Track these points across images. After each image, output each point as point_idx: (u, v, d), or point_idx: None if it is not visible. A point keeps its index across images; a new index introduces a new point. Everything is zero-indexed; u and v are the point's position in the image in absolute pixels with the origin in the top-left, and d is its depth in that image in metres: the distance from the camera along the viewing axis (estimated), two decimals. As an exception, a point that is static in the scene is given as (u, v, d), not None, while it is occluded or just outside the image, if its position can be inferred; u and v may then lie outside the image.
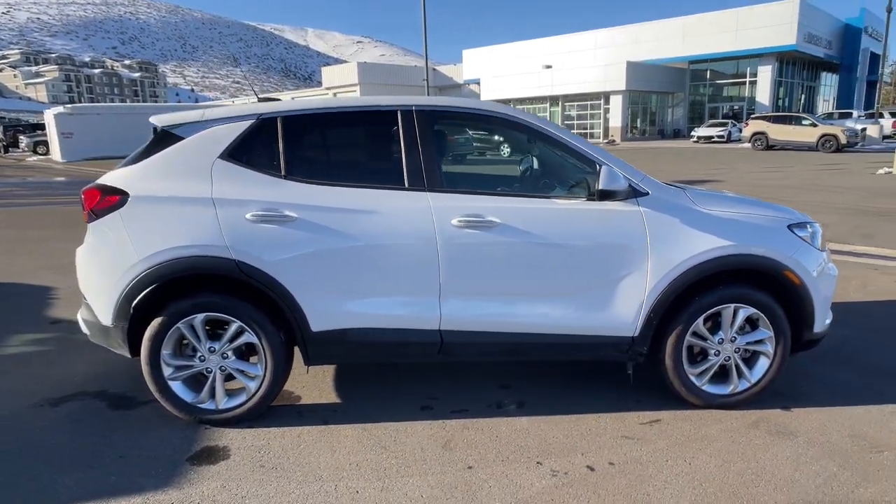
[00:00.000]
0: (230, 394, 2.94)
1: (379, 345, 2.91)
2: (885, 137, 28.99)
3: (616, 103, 38.53)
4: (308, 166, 2.92)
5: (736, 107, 39.41)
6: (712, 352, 3.03)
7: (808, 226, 3.09)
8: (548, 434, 2.84)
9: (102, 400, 3.24)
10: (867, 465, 2.55)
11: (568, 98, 41.62)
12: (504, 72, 45.31)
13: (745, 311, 2.97)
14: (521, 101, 44.27)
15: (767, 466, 2.55)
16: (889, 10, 27.06)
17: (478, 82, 49.20)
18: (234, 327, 2.83)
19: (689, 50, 39.05)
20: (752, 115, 29.19)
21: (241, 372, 2.92)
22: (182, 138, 2.89)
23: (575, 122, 41.35)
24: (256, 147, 2.92)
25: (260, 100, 3.53)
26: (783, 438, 2.77)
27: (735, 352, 3.02)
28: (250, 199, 2.79)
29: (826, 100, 46.14)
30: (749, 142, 26.41)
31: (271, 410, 3.03)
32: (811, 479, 2.45)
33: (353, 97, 3.11)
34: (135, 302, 2.79)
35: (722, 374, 3.07)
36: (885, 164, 16.09)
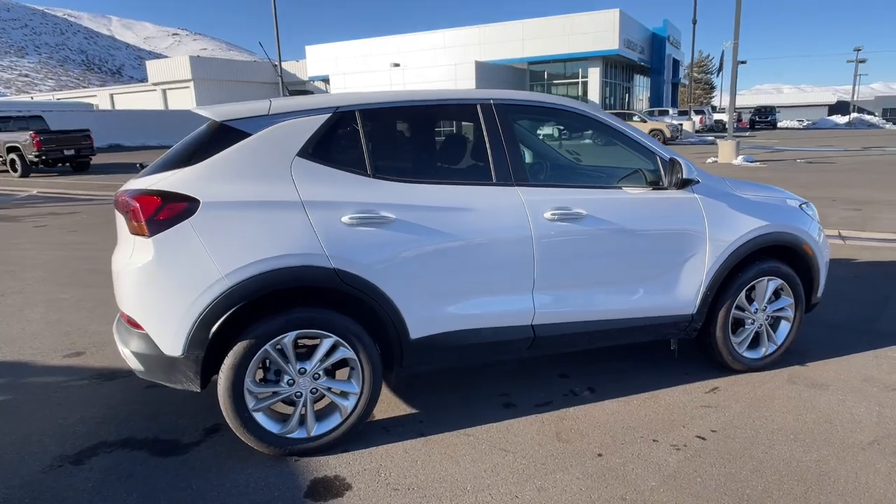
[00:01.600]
0: (319, 417, 2.65)
1: (474, 346, 2.83)
2: (696, 132, 33.79)
3: (467, 101, 40.07)
4: (394, 163, 2.73)
5: (572, 106, 43.00)
6: (749, 321, 3.38)
7: (808, 204, 3.58)
8: (639, 413, 2.98)
9: (136, 448, 2.73)
10: (892, 401, 3.05)
11: (420, 96, 42.37)
12: (353, 69, 44.84)
13: (773, 283, 3.37)
14: (373, 98, 44.21)
15: (829, 413, 2.93)
16: (694, 22, 31.54)
17: (325, 79, 48.13)
18: (328, 343, 2.56)
19: (529, 52, 41.86)
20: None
21: (335, 391, 2.65)
22: (248, 134, 2.53)
23: (428, 119, 42.25)
24: (337, 143, 2.66)
25: (291, 93, 3.22)
26: (821, 389, 3.20)
27: (766, 319, 3.42)
28: (343, 200, 2.54)
29: (640, 99, 52.36)
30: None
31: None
32: (869, 418, 2.87)
33: (426, 90, 2.89)
34: (216, 325, 2.40)
35: (754, 340, 3.45)
36: (711, 154, 18.76)
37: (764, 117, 44.18)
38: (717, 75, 41.92)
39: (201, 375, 2.46)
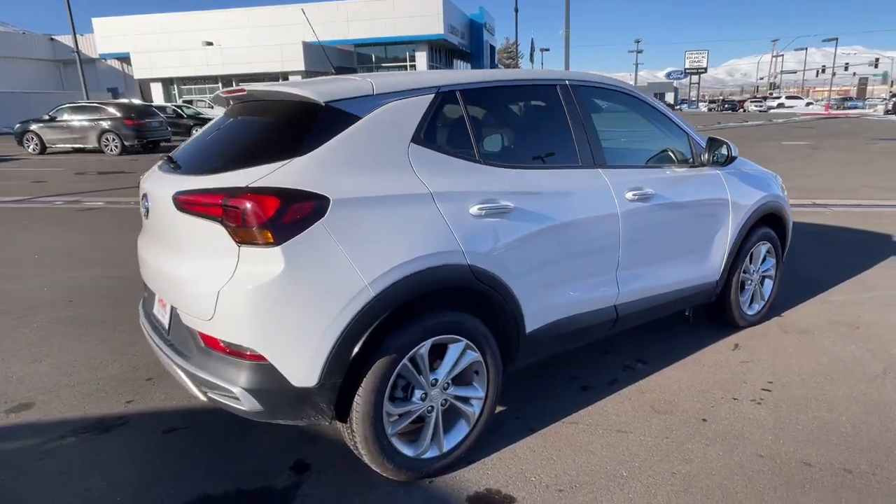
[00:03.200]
0: (446, 430, 2.41)
1: (571, 334, 2.79)
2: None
3: (295, 84, 38.31)
4: (496, 148, 2.55)
5: (403, 88, 43.40)
6: (748, 282, 3.80)
7: (777, 176, 4.10)
8: (698, 377, 3.19)
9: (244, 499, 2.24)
10: (867, 337, 3.67)
11: (242, 78, 39.35)
12: (160, 46, 40.17)
13: (765, 247, 3.82)
14: (186, 80, 40.14)
15: (833, 354, 3.43)
16: (516, 10, 33.64)
17: (122, 57, 42.45)
18: (458, 348, 2.33)
19: (354, 34, 41.15)
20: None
21: (461, 398, 2.43)
22: (357, 117, 2.17)
23: (254, 103, 39.55)
24: (443, 127, 2.41)
25: (336, 70, 2.85)
26: (809, 335, 3.72)
27: (758, 279, 3.87)
28: (466, 190, 2.31)
29: (462, 83, 54.75)
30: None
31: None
32: (864, 354, 3.42)
33: (509, 70, 2.69)
34: (358, 345, 2.04)
35: (750, 299, 3.88)
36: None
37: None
38: (531, 60, 45.23)
39: (336, 404, 2.09)
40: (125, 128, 18.58)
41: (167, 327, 2.36)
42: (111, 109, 19.09)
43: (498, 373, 2.48)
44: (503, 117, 2.85)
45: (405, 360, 2.17)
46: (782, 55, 69.91)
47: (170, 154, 2.70)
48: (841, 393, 2.98)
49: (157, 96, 39.40)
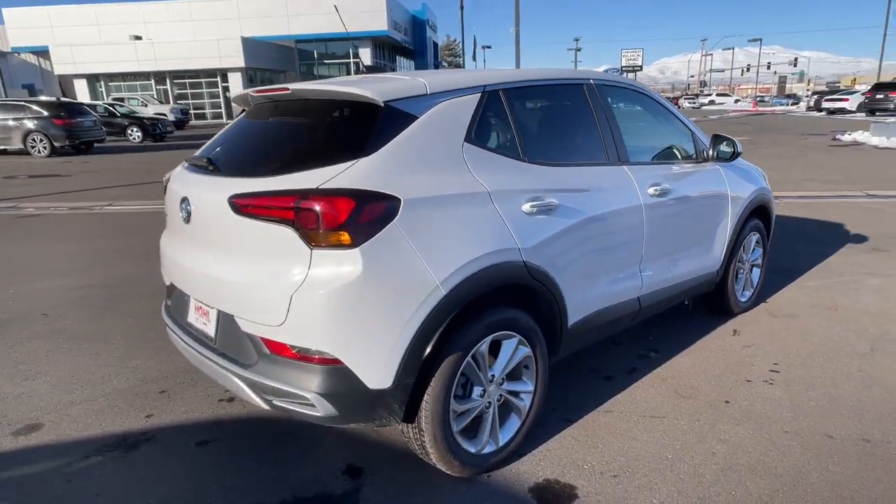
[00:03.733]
0: (500, 425, 2.45)
1: (603, 325, 2.88)
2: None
3: (236, 81, 37.09)
4: (535, 145, 2.58)
5: (346, 85, 42.79)
6: (741, 271, 4.03)
7: (759, 170, 4.35)
8: (710, 362, 3.36)
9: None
10: (846, 319, 3.96)
11: (176, 74, 37.87)
12: (83, 39, 37.90)
13: (755, 237, 4.06)
14: (114, 76, 38.09)
15: (822, 335, 3.69)
16: (462, 7, 33.79)
17: (39, 51, 39.81)
18: (512, 344, 2.38)
19: (295, 29, 40.21)
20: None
21: (513, 393, 2.47)
22: (414, 116, 2.17)
23: (190, 101, 38.01)
24: (490, 126, 2.44)
25: (367, 69, 2.83)
26: (795, 318, 3.99)
27: (749, 268, 4.10)
28: (517, 188, 2.35)
29: (405, 80, 54.54)
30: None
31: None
32: (848, 333, 3.70)
33: (539, 69, 2.71)
34: (431, 344, 2.05)
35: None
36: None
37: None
38: (473, 58, 45.63)
39: (407, 405, 2.09)
40: (54, 127, 17.51)
41: (213, 335, 2.28)
42: (37, 108, 17.91)
43: (545, 367, 2.54)
44: (540, 116, 2.90)
45: (468, 358, 2.20)
46: (711, 54, 73.54)
47: (196, 155, 2.60)
48: (839, 370, 3.22)
49: (82, 93, 37.14)
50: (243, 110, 2.97)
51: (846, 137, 16.99)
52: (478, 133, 2.33)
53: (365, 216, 1.92)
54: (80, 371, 3.42)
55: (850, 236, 6.09)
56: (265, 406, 2.11)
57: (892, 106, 25.63)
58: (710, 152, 3.46)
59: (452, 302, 2.07)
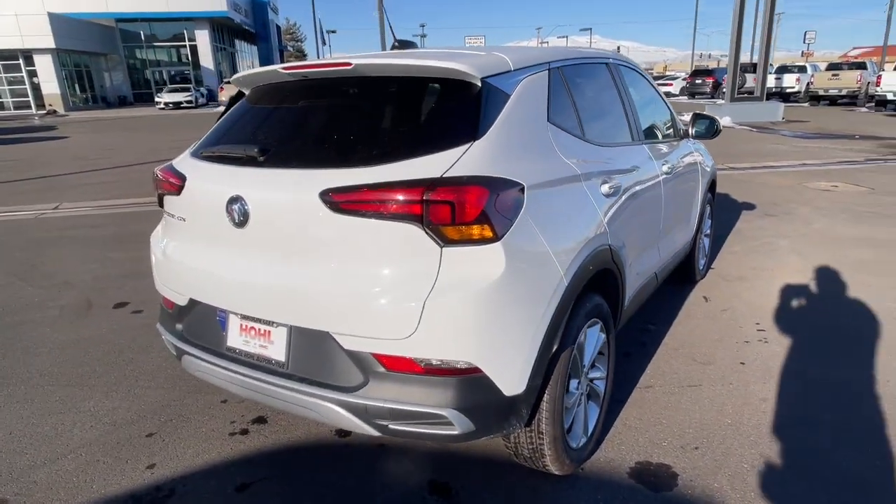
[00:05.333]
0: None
1: (635, 304, 2.90)
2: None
3: (45, 65, 32.07)
4: (588, 125, 2.49)
5: (185, 71, 39.16)
6: (700, 242, 4.32)
7: None
8: (700, 331, 3.55)
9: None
10: (780, 276, 4.45)
11: (-34, 56, 31.81)
12: None
13: (709, 208, 4.38)
14: None
15: (775, 290, 4.10)
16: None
17: None
18: (596, 330, 2.29)
19: (115, 6, 35.69)
20: (225, 80, 30.29)
21: (592, 381, 2.39)
22: (508, 95, 1.97)
23: (-12, 87, 32.19)
24: (559, 105, 2.29)
25: (399, 43, 2.57)
26: (745, 280, 4.39)
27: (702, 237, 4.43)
28: (593, 170, 2.26)
29: (249, 66, 51.08)
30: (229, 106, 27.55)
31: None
32: (797, 286, 4.16)
33: (575, 48, 2.54)
34: (558, 338, 1.90)
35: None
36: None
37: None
38: (321, 42, 43.68)
39: (532, 409, 1.91)
40: None
41: (283, 358, 1.90)
42: None
43: (613, 351, 2.49)
44: (588, 95, 2.80)
45: (574, 350, 2.07)
46: (547, 42, 78.60)
47: (216, 146, 2.16)
48: (813, 319, 3.60)
49: None
50: (240, 93, 2.51)
51: (686, 118, 19.12)
52: (552, 112, 2.19)
53: (500, 206, 1.71)
54: (16, 425, 2.71)
55: (740, 205, 6.85)
56: (375, 433, 1.81)
57: (708, 90, 29.41)
58: (691, 130, 3.64)
59: (571, 292, 1.93)
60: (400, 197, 1.65)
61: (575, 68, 2.51)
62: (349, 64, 1.98)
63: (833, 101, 24.51)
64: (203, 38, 38.41)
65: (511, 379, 1.78)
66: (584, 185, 2.14)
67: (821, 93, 24.59)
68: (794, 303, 3.92)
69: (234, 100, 2.51)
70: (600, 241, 2.14)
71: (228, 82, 28.85)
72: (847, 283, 4.23)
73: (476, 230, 1.66)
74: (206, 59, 38.96)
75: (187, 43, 38.79)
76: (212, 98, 35.32)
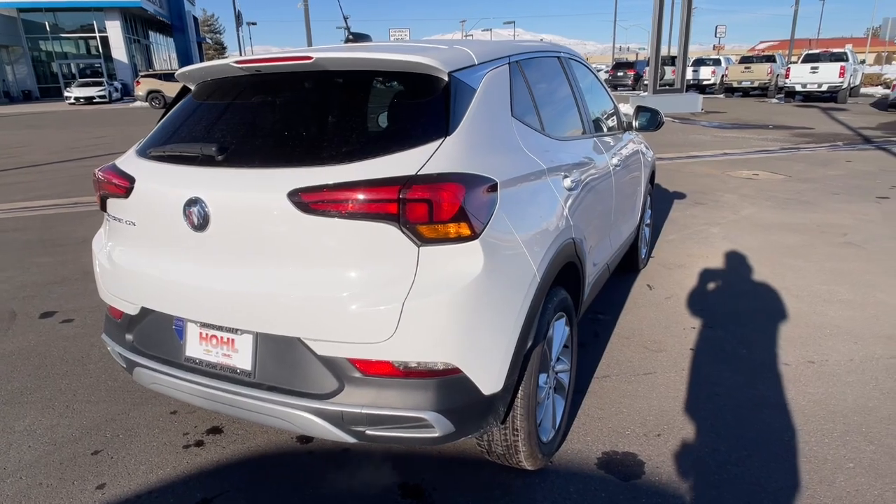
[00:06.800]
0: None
1: (593, 292, 2.97)
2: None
3: (-65, 56, 29.25)
4: (546, 119, 2.50)
5: (96, 64, 36.70)
6: (642, 233, 4.48)
7: None
8: (649, 317, 3.69)
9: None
10: (714, 263, 4.69)
11: None
12: None
13: (649, 199, 4.55)
14: None
15: (712, 276, 4.32)
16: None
17: None
18: (562, 323, 2.32)
19: (16, -5, 33.04)
20: (142, 73, 28.73)
21: (558, 373, 2.42)
22: (474, 89, 1.96)
23: None
24: (519, 99, 2.29)
25: (354, 36, 2.52)
26: (685, 267, 4.59)
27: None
28: (554, 164, 2.28)
29: (166, 59, 48.53)
30: (146, 100, 26.14)
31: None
32: (731, 270, 4.39)
33: (527, 41, 2.48)
34: (532, 333, 1.91)
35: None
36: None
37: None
38: (239, 33, 41.64)
39: (507, 406, 1.91)
40: None
41: (249, 367, 1.81)
42: None
43: (576, 343, 2.53)
44: (543, 89, 2.81)
45: (544, 344, 2.09)
46: (471, 35, 79.09)
47: (165, 146, 2.02)
48: (749, 303, 3.81)
49: None
50: (185, 88, 2.36)
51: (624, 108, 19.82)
52: (514, 107, 2.19)
53: (477, 203, 1.69)
54: (-64, 454, 2.46)
55: (671, 194, 7.16)
56: (351, 440, 1.75)
57: (629, 82, 30.55)
58: (634, 122, 3.75)
59: (543, 288, 1.95)
60: (374, 196, 1.60)
61: (532, 62, 2.52)
62: (310, 58, 1.90)
63: (746, 92, 26.08)
64: (115, 30, 36.13)
65: (489, 378, 1.77)
66: (549, 179, 2.16)
67: (735, 85, 26.10)
68: (732, 288, 4.14)
69: (178, 96, 2.35)
70: (566, 235, 2.17)
71: (146, 75, 27.41)
72: (778, 267, 4.51)
73: (453, 228, 1.64)
74: (119, 52, 36.69)
75: (97, 34, 36.35)
76: (127, 93, 33.33)
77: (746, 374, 2.95)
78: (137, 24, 40.79)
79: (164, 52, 48.98)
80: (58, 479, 2.27)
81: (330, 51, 1.97)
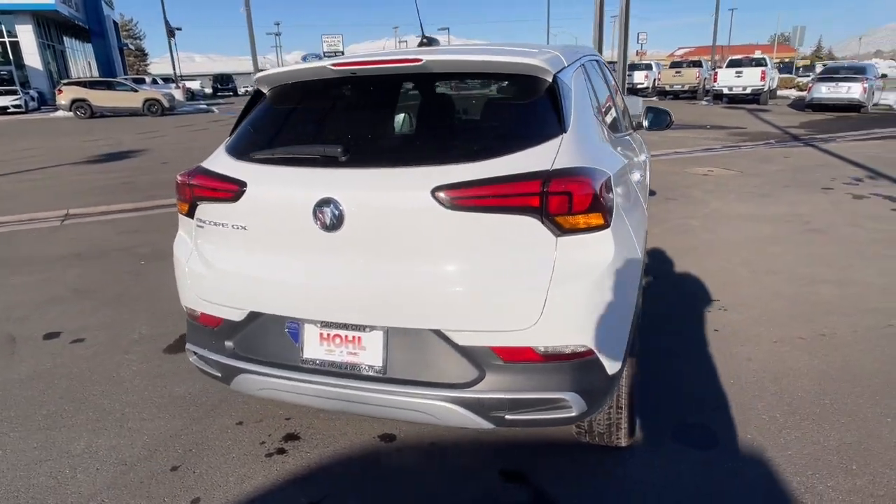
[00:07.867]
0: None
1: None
2: (189, 100, 33.08)
3: None
4: (606, 117, 2.65)
5: (4, 72, 34.09)
6: (638, 225, 4.74)
7: None
8: (670, 305, 3.93)
9: None
10: (707, 252, 5.02)
11: None
12: None
13: (643, 195, 4.81)
14: None
15: (706, 265, 4.63)
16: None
17: None
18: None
19: None
20: (65, 81, 27.03)
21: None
22: (571, 89, 2.07)
23: None
24: (592, 98, 2.42)
25: (427, 40, 2.59)
26: (690, 262, 4.90)
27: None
28: (629, 160, 2.44)
29: (85, 65, 45.74)
30: (70, 110, 24.60)
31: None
32: (722, 260, 4.71)
33: (567, 45, 2.55)
34: (637, 314, 2.05)
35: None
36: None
37: (225, 84, 46.40)
38: (169, 38, 39.82)
39: (619, 385, 2.03)
40: None
41: (379, 363, 1.84)
42: None
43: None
44: (599, 90, 2.94)
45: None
46: (406, 41, 79.19)
47: (279, 149, 2.02)
48: (751, 287, 4.11)
49: None
50: (258, 91, 2.33)
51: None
52: (592, 106, 2.32)
53: (604, 195, 1.80)
54: (0, 480, 2.31)
55: (642, 192, 7.54)
56: (489, 426, 1.82)
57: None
58: (644, 122, 3.97)
59: (644, 270, 2.09)
60: (517, 190, 1.68)
61: (589, 64, 2.67)
62: (419, 60, 1.95)
63: (677, 95, 27.62)
64: (26, 34, 33.74)
65: (613, 358, 1.89)
66: (630, 173, 2.31)
67: (667, 88, 27.62)
68: (730, 274, 4.45)
69: (253, 100, 2.32)
70: (645, 224, 2.32)
71: (70, 83, 25.85)
72: (762, 254, 4.88)
73: (588, 219, 1.74)
74: (33, 58, 34.31)
75: (7, 39, 33.85)
76: (44, 102, 31.25)
77: (768, 349, 3.21)
78: (51, 28, 38.26)
79: (81, 58, 46.14)
80: (145, 497, 2.19)
81: (439, 53, 2.03)
